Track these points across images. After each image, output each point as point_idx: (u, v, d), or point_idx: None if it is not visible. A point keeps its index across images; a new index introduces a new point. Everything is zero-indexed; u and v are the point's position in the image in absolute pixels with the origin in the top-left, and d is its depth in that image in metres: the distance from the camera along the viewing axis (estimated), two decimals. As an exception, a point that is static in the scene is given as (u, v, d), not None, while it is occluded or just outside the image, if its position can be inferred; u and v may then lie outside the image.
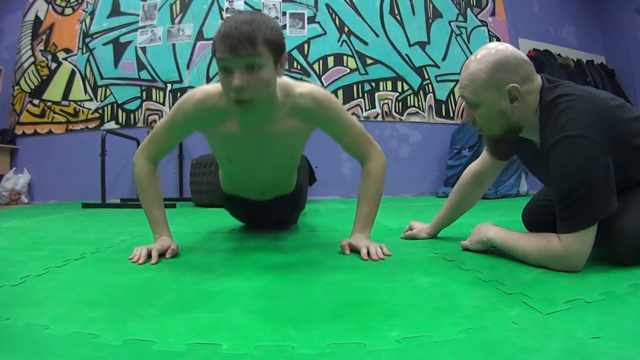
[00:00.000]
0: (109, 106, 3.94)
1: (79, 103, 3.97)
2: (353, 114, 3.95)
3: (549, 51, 4.26)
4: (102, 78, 3.95)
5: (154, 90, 3.91)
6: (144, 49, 3.93)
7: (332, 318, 0.70)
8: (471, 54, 1.06)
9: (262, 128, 1.21)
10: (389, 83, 4.04)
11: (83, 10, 4.03)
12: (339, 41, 3.99)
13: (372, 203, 1.29)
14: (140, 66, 3.92)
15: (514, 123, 1.04)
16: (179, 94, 3.88)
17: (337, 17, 4.01)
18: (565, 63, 4.23)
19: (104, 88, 3.95)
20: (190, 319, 0.70)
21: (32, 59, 4.05)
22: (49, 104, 4.00)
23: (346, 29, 4.01)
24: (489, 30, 4.26)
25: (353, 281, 0.94)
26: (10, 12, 4.14)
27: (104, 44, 3.97)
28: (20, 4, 4.12)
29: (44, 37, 4.05)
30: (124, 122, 3.91)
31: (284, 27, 3.94)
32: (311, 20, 3.98)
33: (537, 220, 1.33)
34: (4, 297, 0.83)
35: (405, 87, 4.06)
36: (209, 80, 3.87)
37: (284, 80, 1.20)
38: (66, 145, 3.95)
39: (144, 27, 3.95)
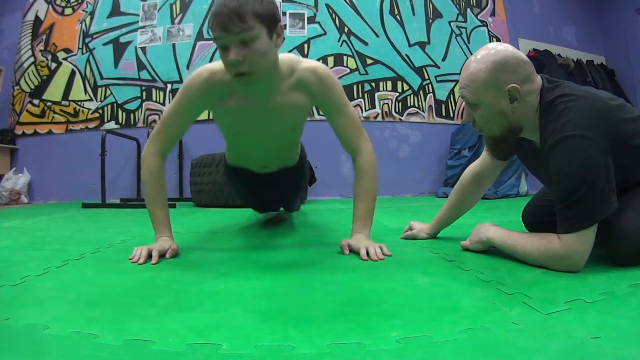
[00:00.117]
0: (109, 106, 3.94)
1: (79, 103, 3.97)
2: (353, 114, 3.95)
3: (549, 51, 4.26)
4: (102, 78, 3.95)
5: (154, 90, 3.91)
6: (144, 49, 3.93)
7: (332, 318, 0.70)
8: (471, 54, 1.06)
9: (266, 101, 1.23)
10: (389, 83, 4.04)
11: (83, 10, 4.03)
12: (338, 41, 3.99)
13: (369, 201, 1.29)
14: (140, 66, 3.92)
15: (514, 123, 1.04)
16: (179, 94, 3.87)
17: (337, 17, 4.01)
18: (565, 63, 4.23)
19: (104, 88, 3.95)
20: (190, 319, 0.70)
21: (32, 59, 4.05)
22: (49, 104, 4.00)
23: (346, 29, 4.01)
24: (489, 31, 4.26)
25: (353, 281, 0.94)
26: (10, 12, 4.14)
27: (104, 44, 3.97)
28: (20, 4, 4.12)
29: (44, 37, 4.05)
30: (123, 122, 3.91)
31: (284, 27, 3.94)
32: (311, 20, 3.98)
33: (537, 220, 1.33)
34: (4, 297, 0.83)
35: (405, 87, 4.06)
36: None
37: (290, 55, 1.24)
38: (66, 145, 3.95)
39: (144, 27, 3.95)
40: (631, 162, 0.98)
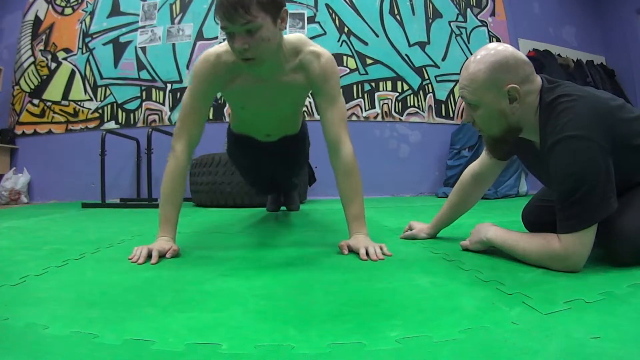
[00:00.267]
0: (109, 106, 3.94)
1: (79, 103, 3.97)
2: (353, 114, 3.96)
3: (549, 51, 4.26)
4: (102, 78, 3.95)
5: (153, 90, 3.91)
6: (143, 49, 3.93)
7: (332, 318, 0.70)
8: (471, 54, 1.06)
9: (270, 80, 1.29)
10: (389, 83, 4.04)
11: (83, 10, 4.04)
12: (338, 41, 3.99)
13: (359, 200, 1.30)
14: (140, 66, 3.92)
15: (514, 123, 1.04)
16: (178, 94, 3.88)
17: (337, 17, 4.01)
18: (565, 63, 4.24)
19: (103, 88, 3.95)
20: (189, 319, 0.70)
21: (32, 59, 4.05)
22: (48, 103, 4.00)
23: (346, 29, 4.01)
24: (488, 31, 4.27)
25: (353, 281, 0.94)
26: (10, 12, 4.14)
27: (104, 44, 3.97)
28: (20, 4, 4.12)
29: (43, 37, 4.05)
30: (123, 122, 3.91)
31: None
32: (311, 20, 3.98)
33: (536, 220, 1.33)
34: (4, 296, 0.83)
35: (405, 87, 4.06)
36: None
37: (299, 36, 1.30)
38: (66, 145, 3.95)
39: (143, 27, 3.95)
40: (631, 163, 0.98)
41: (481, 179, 1.34)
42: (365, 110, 3.99)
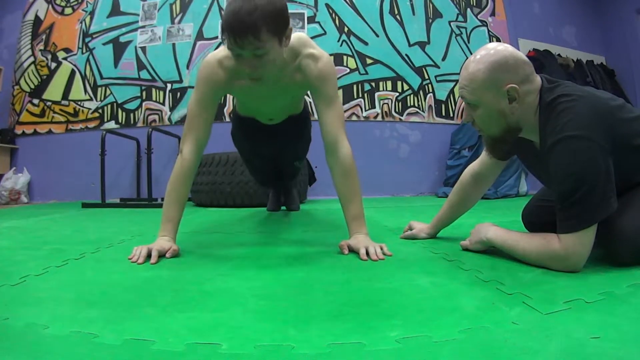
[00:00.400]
0: (109, 106, 3.94)
1: (79, 103, 3.97)
2: (353, 113, 3.96)
3: (548, 51, 4.26)
4: (102, 78, 3.95)
5: (153, 90, 3.91)
6: (143, 49, 3.93)
7: (332, 318, 0.70)
8: (471, 54, 1.06)
9: (272, 81, 1.30)
10: (389, 83, 4.04)
11: (83, 10, 4.04)
12: (338, 41, 3.99)
13: (358, 200, 1.30)
14: (140, 66, 3.92)
15: (513, 123, 1.04)
16: (178, 94, 3.88)
17: (337, 17, 4.01)
18: (565, 63, 4.23)
19: (103, 88, 3.95)
20: (189, 319, 0.70)
21: (32, 59, 4.05)
22: (48, 103, 4.00)
23: (346, 29, 4.01)
24: (488, 31, 4.27)
25: (353, 281, 0.94)
26: (10, 11, 4.14)
27: (104, 44, 3.97)
28: (20, 4, 4.12)
29: (43, 36, 4.05)
30: (123, 122, 3.91)
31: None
32: (311, 20, 3.98)
33: (536, 220, 1.33)
34: (4, 296, 0.83)
35: (405, 87, 4.06)
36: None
37: (299, 36, 1.31)
38: (66, 145, 3.95)
39: (143, 26, 3.95)
40: (631, 163, 0.98)
41: (481, 179, 1.34)
42: (365, 110, 3.99)
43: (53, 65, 4.02)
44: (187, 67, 3.89)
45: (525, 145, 1.13)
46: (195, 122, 1.31)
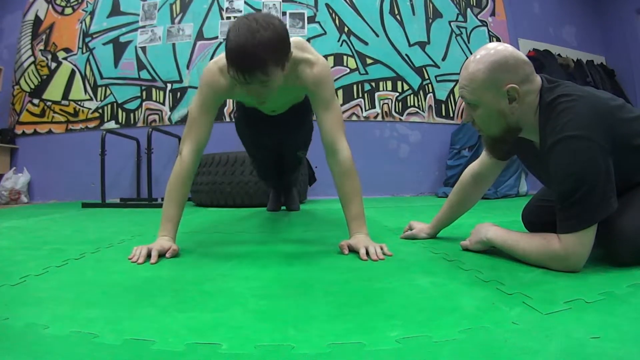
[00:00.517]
0: (109, 106, 3.94)
1: (79, 103, 3.97)
2: (353, 113, 3.96)
3: (549, 51, 4.25)
4: (102, 78, 3.95)
5: (154, 90, 3.91)
6: (144, 49, 3.93)
7: (332, 318, 0.70)
8: (471, 54, 1.06)
9: None
10: (389, 83, 4.04)
11: (83, 10, 4.04)
12: (339, 41, 3.99)
13: (358, 200, 1.31)
14: (140, 66, 3.92)
15: (513, 123, 1.04)
16: (178, 94, 3.88)
17: (337, 17, 4.01)
18: (565, 63, 4.23)
19: (103, 88, 3.95)
20: (189, 319, 0.70)
21: (32, 59, 4.05)
22: (48, 103, 4.00)
23: (346, 29, 4.01)
24: (489, 31, 4.26)
25: (353, 281, 0.94)
26: (10, 11, 4.14)
27: (104, 44, 3.97)
28: (20, 4, 4.12)
29: (43, 36, 4.05)
30: (123, 122, 3.91)
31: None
32: (311, 20, 3.98)
33: (536, 220, 1.33)
34: (4, 296, 0.83)
35: (405, 87, 4.05)
36: (209, 80, 3.86)
37: (295, 42, 1.29)
38: (66, 145, 3.95)
39: (144, 26, 3.95)
40: (631, 163, 0.98)
41: (481, 179, 1.34)
42: (366, 110, 3.99)
43: (53, 65, 4.02)
44: (187, 67, 3.89)
45: (525, 145, 1.13)
46: (196, 124, 1.33)
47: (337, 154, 1.31)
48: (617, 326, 0.63)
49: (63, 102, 3.98)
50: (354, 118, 3.95)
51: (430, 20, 4.15)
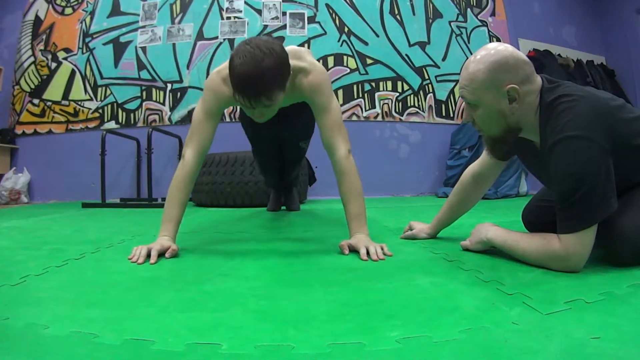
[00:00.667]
0: (109, 106, 3.94)
1: (79, 103, 3.97)
2: (353, 114, 3.95)
3: (549, 51, 4.25)
4: (102, 78, 3.95)
5: (154, 90, 3.91)
6: (144, 49, 3.93)
7: (332, 318, 0.70)
8: (471, 54, 1.06)
9: None
10: (389, 83, 4.04)
11: (83, 10, 4.04)
12: (339, 41, 3.99)
13: (358, 200, 1.31)
14: (140, 66, 3.92)
15: (513, 124, 1.04)
16: (179, 94, 3.88)
17: (337, 17, 4.01)
18: (566, 63, 4.23)
19: (104, 88, 3.95)
20: (190, 319, 0.70)
21: (32, 59, 4.05)
22: (49, 103, 4.00)
23: (346, 29, 4.01)
24: (489, 31, 4.26)
25: (353, 281, 0.94)
26: (10, 11, 4.14)
27: (104, 44, 3.97)
28: (20, 4, 4.12)
29: (44, 36, 4.05)
30: (124, 122, 3.91)
31: (284, 27, 3.94)
32: (311, 20, 3.98)
33: (536, 220, 1.33)
34: (4, 296, 0.83)
35: (405, 87, 4.05)
36: (209, 80, 3.86)
37: (292, 50, 1.33)
38: (66, 145, 3.95)
39: (144, 27, 3.95)
40: (631, 163, 0.98)
41: (481, 179, 1.34)
42: (366, 110, 3.99)
43: (53, 65, 4.02)
44: (187, 67, 3.89)
45: (525, 145, 1.13)
46: (199, 129, 1.35)
47: (334, 154, 1.33)
48: (617, 326, 0.63)
49: (63, 102, 3.98)
50: (354, 118, 3.95)
51: (431, 21, 4.15)
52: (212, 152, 3.02)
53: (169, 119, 3.88)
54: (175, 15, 3.96)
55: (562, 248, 0.92)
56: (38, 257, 1.20)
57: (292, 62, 1.28)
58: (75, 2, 4.05)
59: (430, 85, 4.09)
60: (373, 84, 4.01)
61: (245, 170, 2.90)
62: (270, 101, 1.15)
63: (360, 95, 3.99)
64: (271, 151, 2.12)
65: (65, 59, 4.00)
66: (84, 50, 3.98)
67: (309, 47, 3.90)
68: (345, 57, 3.97)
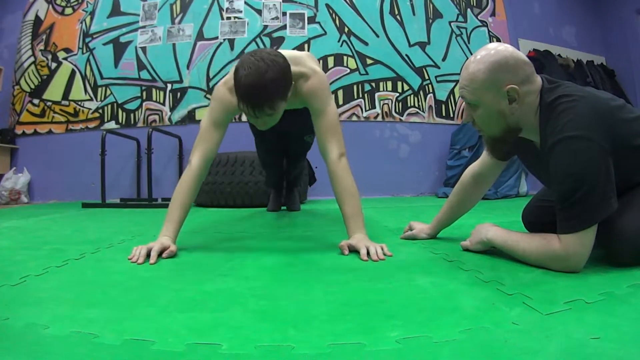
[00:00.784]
0: (109, 106, 3.94)
1: (79, 103, 3.97)
2: (353, 114, 3.96)
3: (549, 51, 4.25)
4: (102, 78, 3.95)
5: (154, 90, 3.91)
6: (144, 49, 3.93)
7: (332, 318, 0.70)
8: (471, 54, 1.07)
9: None
10: (389, 83, 4.04)
11: (83, 10, 4.04)
12: (339, 41, 3.99)
13: (352, 200, 1.32)
14: (141, 66, 3.92)
15: (513, 124, 1.04)
16: (179, 94, 3.88)
17: (337, 17, 4.01)
18: (566, 63, 4.23)
19: (104, 88, 3.95)
20: (190, 319, 0.70)
21: (32, 59, 4.05)
22: (49, 103, 4.00)
23: (346, 29, 4.01)
24: (489, 31, 4.26)
25: (353, 281, 0.94)
26: (10, 11, 4.14)
27: (104, 44, 3.97)
28: (20, 4, 4.12)
29: (44, 36, 4.05)
30: (124, 122, 3.91)
31: (284, 27, 3.94)
32: (311, 20, 3.98)
33: (536, 220, 1.33)
34: (4, 296, 0.83)
35: (405, 87, 4.05)
36: (209, 80, 3.87)
37: (290, 55, 1.34)
38: (66, 145, 3.95)
39: (144, 27, 3.95)
40: (631, 163, 0.98)
41: (481, 179, 1.34)
42: (366, 111, 3.99)
43: (53, 65, 4.02)
44: (188, 68, 3.89)
45: (525, 145, 1.13)
46: (206, 137, 1.40)
47: (326, 158, 1.38)
48: (617, 326, 0.63)
49: (63, 102, 3.98)
50: (354, 118, 3.95)
51: (431, 21, 4.15)
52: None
53: (169, 119, 3.88)
54: (175, 16, 3.96)
55: (562, 248, 0.92)
56: (38, 257, 1.20)
57: (293, 68, 1.30)
58: (75, 2, 4.05)
59: (430, 86, 4.09)
60: (373, 84, 4.01)
61: (245, 170, 2.90)
62: (272, 110, 1.20)
63: (360, 96, 3.99)
64: (275, 146, 2.14)
65: (65, 59, 4.00)
66: (84, 51, 3.98)
67: (309, 48, 3.91)
68: (345, 58, 3.97)
